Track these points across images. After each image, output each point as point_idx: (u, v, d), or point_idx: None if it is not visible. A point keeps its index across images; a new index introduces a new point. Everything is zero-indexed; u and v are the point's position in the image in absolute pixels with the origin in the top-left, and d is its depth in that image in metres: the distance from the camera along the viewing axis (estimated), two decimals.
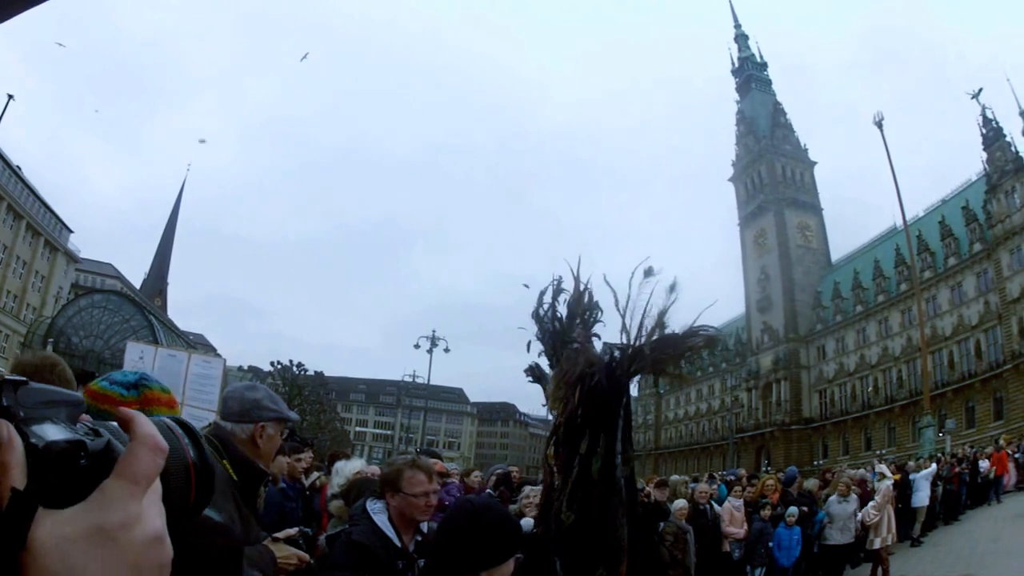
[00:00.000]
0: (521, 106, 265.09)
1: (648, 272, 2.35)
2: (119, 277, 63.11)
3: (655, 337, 2.13)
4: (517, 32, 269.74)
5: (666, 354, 1.97)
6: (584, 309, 2.33)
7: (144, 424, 0.50)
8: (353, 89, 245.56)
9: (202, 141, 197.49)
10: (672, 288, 2.28)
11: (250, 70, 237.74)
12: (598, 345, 2.63)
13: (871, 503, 10.23)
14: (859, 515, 9.99)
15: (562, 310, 2.56)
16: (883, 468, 12.10)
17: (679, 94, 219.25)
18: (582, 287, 2.37)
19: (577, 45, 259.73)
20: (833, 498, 9.83)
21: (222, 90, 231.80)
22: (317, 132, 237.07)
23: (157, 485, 0.48)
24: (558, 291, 2.29)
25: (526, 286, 2.55)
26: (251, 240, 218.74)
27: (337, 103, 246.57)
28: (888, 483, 10.83)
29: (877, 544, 10.14)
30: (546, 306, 2.50)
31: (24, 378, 0.46)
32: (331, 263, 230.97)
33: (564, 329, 2.34)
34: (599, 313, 2.42)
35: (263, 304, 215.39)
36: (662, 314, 2.09)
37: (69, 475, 0.42)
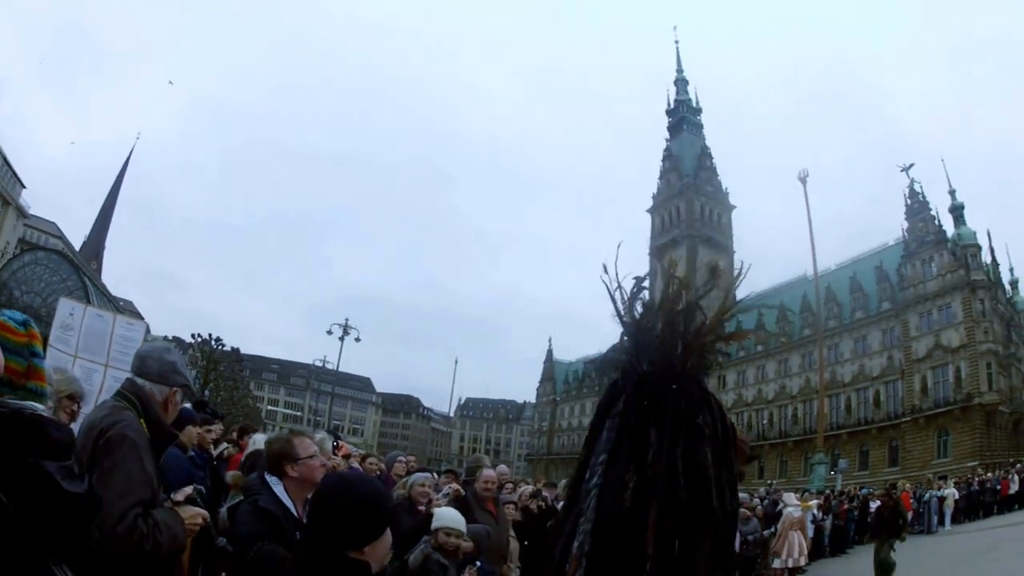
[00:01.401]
0: (451, 111, 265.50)
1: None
2: (61, 237, 60.39)
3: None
4: (456, 40, 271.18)
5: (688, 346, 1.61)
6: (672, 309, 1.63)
7: None
8: (284, 77, 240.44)
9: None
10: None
11: (193, 53, 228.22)
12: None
13: (776, 532, 11.03)
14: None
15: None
16: (788, 497, 12.83)
17: (612, 122, 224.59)
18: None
19: (517, 58, 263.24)
20: None
21: (171, 67, 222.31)
22: (250, 116, 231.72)
23: None
24: (638, 290, 1.77)
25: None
26: (182, 214, 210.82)
27: (269, 89, 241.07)
28: (789, 511, 11.61)
29: (777, 564, 10.88)
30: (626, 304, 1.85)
31: None
32: (252, 243, 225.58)
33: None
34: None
35: (188, 277, 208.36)
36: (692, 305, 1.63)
37: None
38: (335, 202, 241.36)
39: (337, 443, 6.21)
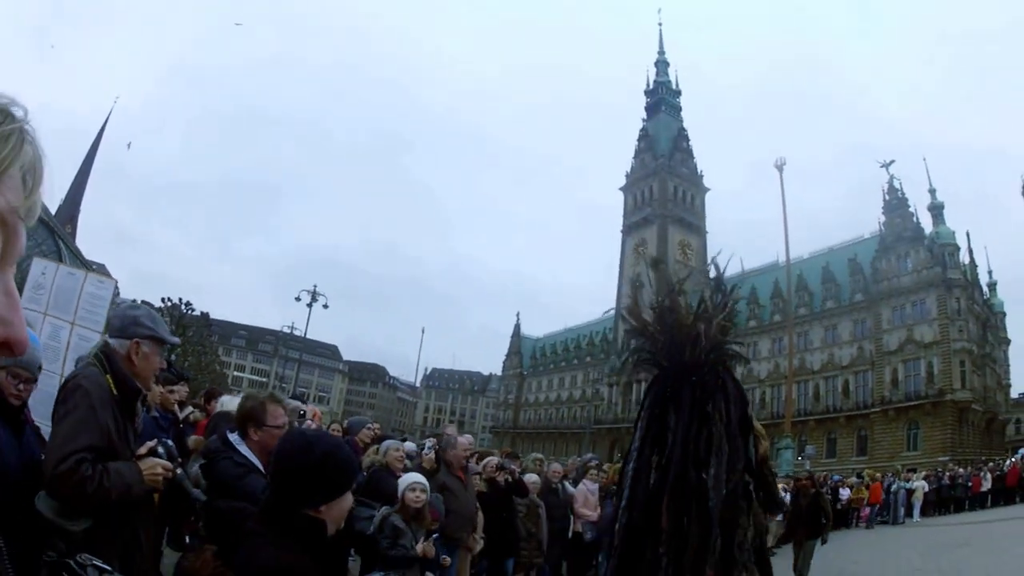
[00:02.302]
0: (421, 82, 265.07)
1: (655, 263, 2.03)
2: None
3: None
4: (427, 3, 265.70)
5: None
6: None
7: None
8: (235, 29, 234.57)
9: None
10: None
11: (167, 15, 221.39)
12: None
13: None
14: None
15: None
16: None
17: (588, 101, 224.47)
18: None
19: (489, 28, 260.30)
20: None
21: (146, 29, 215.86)
22: (217, 80, 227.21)
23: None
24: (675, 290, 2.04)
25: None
26: (152, 179, 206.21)
27: (237, 54, 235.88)
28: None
29: None
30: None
31: None
32: (220, 209, 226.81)
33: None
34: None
35: (158, 241, 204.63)
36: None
37: None
38: (304, 169, 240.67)
39: (304, 411, 6.21)
